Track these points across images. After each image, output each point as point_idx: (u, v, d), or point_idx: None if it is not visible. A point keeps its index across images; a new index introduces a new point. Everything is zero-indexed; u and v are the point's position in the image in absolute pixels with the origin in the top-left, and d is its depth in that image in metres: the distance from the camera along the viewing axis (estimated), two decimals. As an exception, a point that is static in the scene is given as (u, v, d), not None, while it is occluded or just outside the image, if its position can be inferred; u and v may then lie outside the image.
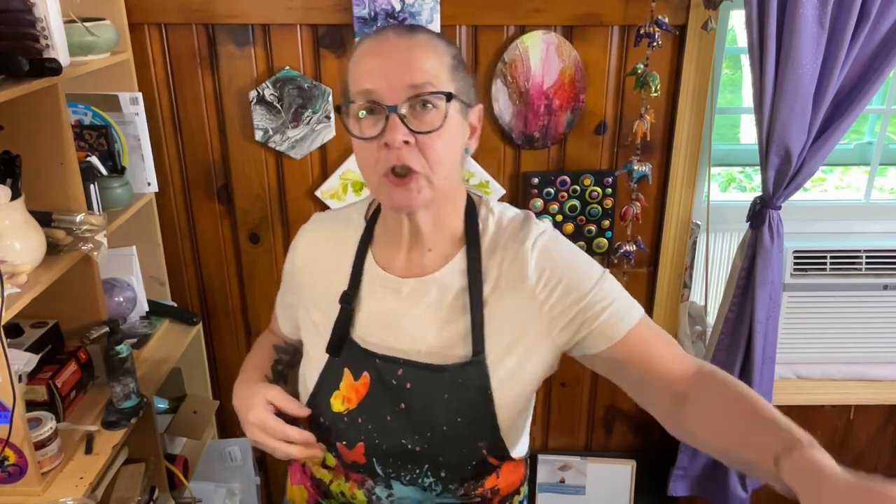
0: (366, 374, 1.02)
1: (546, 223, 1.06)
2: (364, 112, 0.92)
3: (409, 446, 1.01)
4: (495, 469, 1.06)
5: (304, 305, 1.12)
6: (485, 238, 1.03)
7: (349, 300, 1.04)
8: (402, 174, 0.91)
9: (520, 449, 1.08)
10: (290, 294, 1.17)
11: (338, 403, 1.04)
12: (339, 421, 1.03)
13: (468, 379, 0.99)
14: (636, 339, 0.99)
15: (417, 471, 1.03)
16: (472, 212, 1.04)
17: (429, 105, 0.90)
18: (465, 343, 1.00)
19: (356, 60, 0.94)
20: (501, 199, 1.89)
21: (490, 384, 0.99)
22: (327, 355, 1.05)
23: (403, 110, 0.90)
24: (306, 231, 1.15)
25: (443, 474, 1.03)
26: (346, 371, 1.04)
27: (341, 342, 1.04)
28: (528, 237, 1.01)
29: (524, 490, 1.18)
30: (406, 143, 0.89)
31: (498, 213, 1.05)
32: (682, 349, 1.01)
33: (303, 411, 1.05)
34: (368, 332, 1.04)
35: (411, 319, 1.02)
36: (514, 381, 1.01)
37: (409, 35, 0.94)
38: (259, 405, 1.03)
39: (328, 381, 1.05)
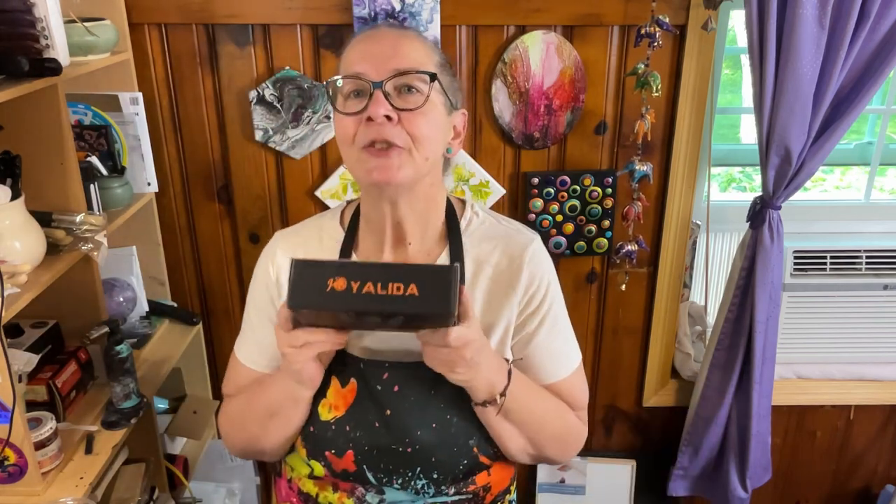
0: (353, 380, 1.02)
1: (535, 234, 1.10)
2: (352, 93, 0.96)
3: (400, 450, 1.00)
4: (487, 468, 1.06)
5: None
6: (471, 239, 1.06)
7: None
8: (382, 148, 0.94)
9: None
10: (271, 309, 1.11)
11: (325, 411, 1.03)
12: (326, 429, 1.02)
13: None
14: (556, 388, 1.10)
15: (409, 474, 1.02)
16: (452, 213, 1.07)
17: (413, 89, 0.95)
18: None
19: (349, 47, 1.00)
20: (502, 200, 1.90)
21: None
22: None
23: (388, 88, 0.94)
24: (280, 242, 1.11)
25: (435, 475, 1.03)
26: (333, 378, 1.03)
27: None
28: (527, 247, 1.05)
29: (514, 490, 1.19)
30: (388, 118, 0.93)
31: (483, 216, 1.10)
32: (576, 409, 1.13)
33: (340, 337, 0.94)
34: (354, 337, 1.04)
35: None
36: None
37: (401, 28, 1.01)
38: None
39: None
